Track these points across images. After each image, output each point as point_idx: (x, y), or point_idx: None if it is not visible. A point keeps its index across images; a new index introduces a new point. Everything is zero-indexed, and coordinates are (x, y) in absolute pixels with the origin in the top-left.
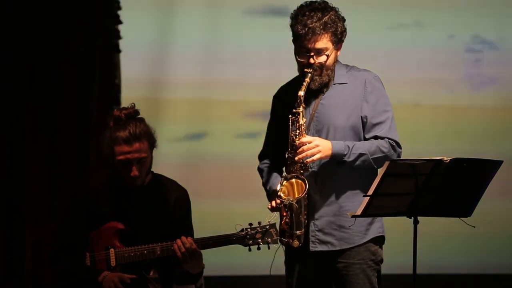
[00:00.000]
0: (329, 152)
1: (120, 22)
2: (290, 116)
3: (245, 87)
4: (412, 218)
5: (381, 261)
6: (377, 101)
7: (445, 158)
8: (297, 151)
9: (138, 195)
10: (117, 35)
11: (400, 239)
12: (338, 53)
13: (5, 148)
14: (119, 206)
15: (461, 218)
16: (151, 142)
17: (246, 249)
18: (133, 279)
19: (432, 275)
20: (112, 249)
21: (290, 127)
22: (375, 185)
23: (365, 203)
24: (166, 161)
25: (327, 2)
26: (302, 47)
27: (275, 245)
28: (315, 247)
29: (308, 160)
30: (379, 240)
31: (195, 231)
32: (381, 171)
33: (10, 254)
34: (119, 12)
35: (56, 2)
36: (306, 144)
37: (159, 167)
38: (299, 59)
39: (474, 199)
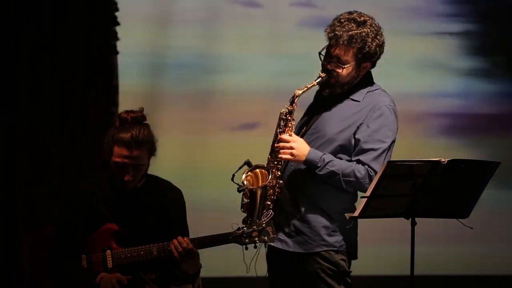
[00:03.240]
0: (302, 159)
1: (118, 24)
2: (281, 111)
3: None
4: (410, 219)
5: (345, 273)
6: (378, 129)
7: (443, 160)
8: (274, 146)
9: (133, 196)
10: (114, 36)
11: (398, 240)
12: (362, 72)
13: (2, 150)
14: (116, 208)
15: (458, 219)
16: (151, 150)
17: (244, 249)
18: (130, 280)
19: (429, 276)
20: (108, 251)
21: (279, 121)
22: (373, 186)
23: (363, 205)
24: (165, 159)
25: (371, 19)
26: (326, 49)
27: (272, 244)
28: None
29: (278, 157)
30: (343, 253)
31: (190, 230)
32: (379, 172)
33: (8, 257)
34: (117, 14)
35: (54, 3)
36: (283, 142)
37: (159, 162)
38: (322, 61)
39: (472, 200)
